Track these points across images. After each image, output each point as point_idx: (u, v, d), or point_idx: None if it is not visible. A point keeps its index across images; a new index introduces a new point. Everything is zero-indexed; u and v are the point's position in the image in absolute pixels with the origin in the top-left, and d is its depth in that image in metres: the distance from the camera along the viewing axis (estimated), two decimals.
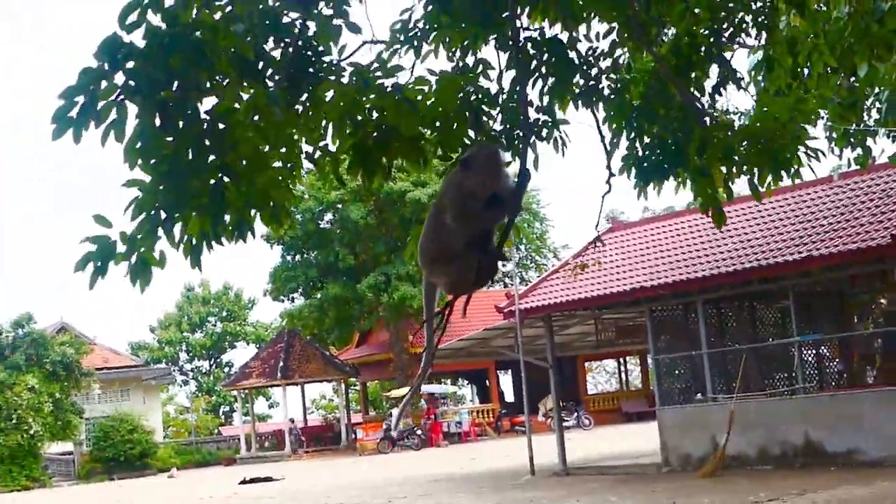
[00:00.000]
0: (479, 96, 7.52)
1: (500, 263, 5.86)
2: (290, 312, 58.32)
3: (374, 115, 6.40)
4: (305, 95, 6.38)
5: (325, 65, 6.47)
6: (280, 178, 5.90)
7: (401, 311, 53.97)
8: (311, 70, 6.43)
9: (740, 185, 7.95)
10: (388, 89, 6.34)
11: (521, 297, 26.34)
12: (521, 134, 7.66)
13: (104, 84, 4.96)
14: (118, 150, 5.09)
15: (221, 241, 5.36)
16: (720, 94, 8.78)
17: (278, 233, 6.44)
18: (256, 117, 5.47)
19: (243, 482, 36.61)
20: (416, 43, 8.09)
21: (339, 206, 54.40)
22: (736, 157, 7.41)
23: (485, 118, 7.52)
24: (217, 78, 5.18)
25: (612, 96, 8.36)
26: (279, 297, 59.18)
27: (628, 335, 29.53)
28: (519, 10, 7.68)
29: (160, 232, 5.13)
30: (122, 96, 4.92)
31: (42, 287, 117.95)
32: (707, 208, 7.75)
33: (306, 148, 6.42)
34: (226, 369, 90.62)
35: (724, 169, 7.56)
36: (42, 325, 56.23)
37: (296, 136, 6.20)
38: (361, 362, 61.98)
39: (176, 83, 4.99)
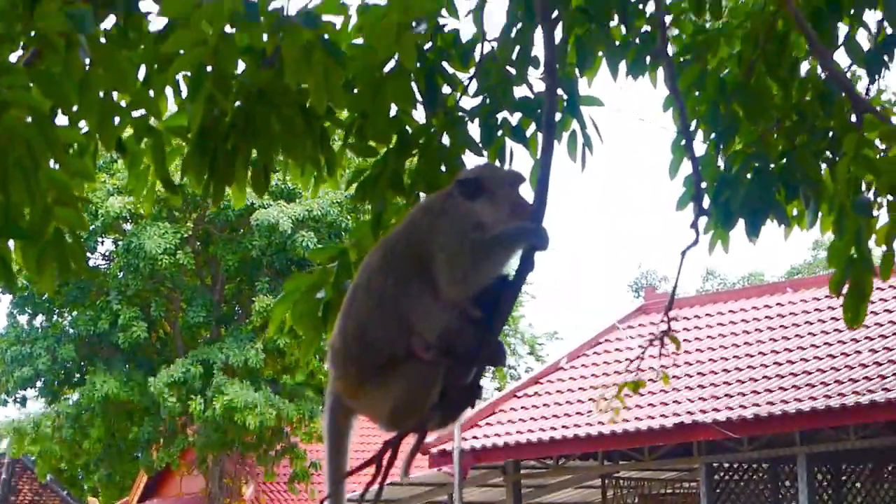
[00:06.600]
0: (438, 43, 4.65)
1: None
2: (17, 427, 30.88)
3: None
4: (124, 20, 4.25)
5: None
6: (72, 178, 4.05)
7: (227, 435, 29.19)
8: None
9: None
10: (293, 18, 4.02)
11: (463, 428, 16.83)
12: (521, 114, 4.94)
13: None
14: None
15: None
16: (887, 68, 5.39)
17: (50, 289, 3.44)
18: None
19: None
20: None
21: (127, 225, 29.69)
22: None
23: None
24: None
25: (684, 60, 5.20)
26: None
27: None
28: None
29: None
30: None
31: None
32: (840, 286, 4.99)
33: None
34: None
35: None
36: None
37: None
38: None
39: None
